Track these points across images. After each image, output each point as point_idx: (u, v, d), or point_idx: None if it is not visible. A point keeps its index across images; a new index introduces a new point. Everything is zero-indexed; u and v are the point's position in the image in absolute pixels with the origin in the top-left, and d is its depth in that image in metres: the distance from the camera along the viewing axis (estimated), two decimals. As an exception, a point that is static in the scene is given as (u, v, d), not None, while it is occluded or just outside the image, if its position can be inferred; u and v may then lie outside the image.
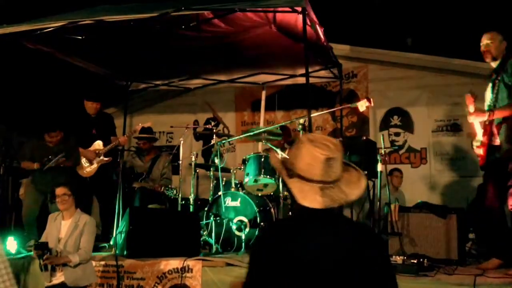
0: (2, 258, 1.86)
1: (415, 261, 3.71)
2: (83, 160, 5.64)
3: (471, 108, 4.10)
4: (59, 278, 3.93)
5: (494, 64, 4.09)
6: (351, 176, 1.77)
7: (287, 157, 1.78)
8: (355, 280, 1.63)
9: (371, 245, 1.70)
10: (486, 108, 4.09)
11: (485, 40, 4.09)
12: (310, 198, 1.67)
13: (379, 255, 1.71)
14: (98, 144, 5.70)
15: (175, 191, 5.56)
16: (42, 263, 3.83)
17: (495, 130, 3.96)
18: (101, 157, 5.64)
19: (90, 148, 5.68)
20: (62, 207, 4.09)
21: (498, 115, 3.91)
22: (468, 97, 4.12)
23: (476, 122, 4.10)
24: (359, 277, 1.63)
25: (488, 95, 4.09)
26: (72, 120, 5.87)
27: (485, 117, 3.96)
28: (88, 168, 5.64)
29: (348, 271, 1.63)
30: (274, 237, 1.71)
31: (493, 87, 4.03)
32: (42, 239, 4.07)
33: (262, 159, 5.25)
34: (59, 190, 4.09)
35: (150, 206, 5.56)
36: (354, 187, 1.73)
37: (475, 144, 4.14)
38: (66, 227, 4.08)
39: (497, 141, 3.95)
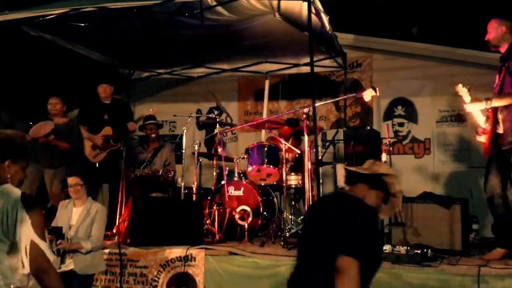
0: None
1: (419, 252, 3.70)
2: (92, 145, 5.65)
3: (467, 98, 4.06)
4: (68, 265, 3.94)
5: (501, 49, 4.05)
6: None
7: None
8: None
9: None
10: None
11: (487, 30, 4.08)
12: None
13: None
14: (108, 130, 5.69)
15: (172, 172, 5.59)
16: (55, 248, 3.83)
17: (500, 117, 3.92)
18: (110, 143, 5.64)
19: (99, 134, 5.68)
20: (75, 196, 4.12)
21: (496, 103, 3.88)
22: (459, 88, 4.07)
23: (476, 111, 4.07)
24: None
25: (497, 81, 4.05)
26: (83, 104, 5.90)
27: (482, 105, 3.92)
28: (96, 152, 5.65)
29: None
30: None
31: (499, 74, 4.00)
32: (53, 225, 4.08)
33: (265, 149, 5.23)
34: (72, 180, 4.12)
35: (153, 194, 5.56)
36: None
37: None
38: (78, 214, 4.10)
39: (501, 129, 3.93)
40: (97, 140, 5.63)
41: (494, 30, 4.02)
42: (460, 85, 4.07)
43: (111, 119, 5.75)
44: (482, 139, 4.11)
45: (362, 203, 2.44)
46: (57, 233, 3.85)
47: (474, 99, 4.00)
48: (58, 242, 3.82)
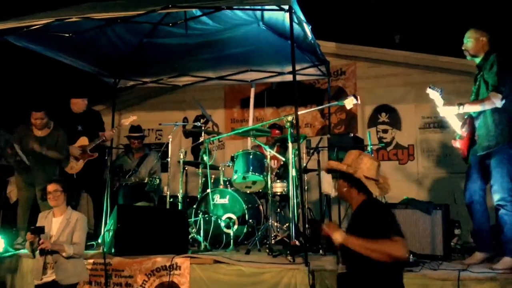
0: None
1: (401, 257, 3.75)
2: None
3: (439, 102, 4.13)
4: (50, 276, 3.93)
5: (477, 60, 4.14)
6: (384, 178, 2.90)
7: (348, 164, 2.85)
8: None
9: None
10: None
11: (464, 40, 4.16)
12: (374, 189, 2.78)
13: None
14: (84, 140, 5.67)
15: (158, 180, 5.58)
16: (38, 247, 3.81)
17: (476, 123, 4.02)
18: (87, 153, 5.62)
19: (75, 144, 5.65)
20: (53, 203, 4.10)
21: (468, 108, 3.96)
22: (430, 91, 4.13)
23: (450, 116, 4.14)
24: None
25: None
26: (57, 116, 5.85)
27: (455, 109, 3.99)
28: (74, 164, 5.61)
29: None
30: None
31: (475, 83, 4.11)
32: None
33: (251, 156, 5.27)
34: (51, 187, 4.10)
35: (138, 204, 5.56)
36: (388, 184, 2.89)
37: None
38: (58, 224, 4.09)
39: (476, 135, 4.03)
40: (74, 151, 5.60)
41: (475, 40, 4.09)
42: (430, 88, 4.13)
43: (85, 129, 5.74)
44: (458, 144, 4.20)
45: None
46: (39, 232, 3.84)
47: (447, 103, 4.08)
48: (40, 242, 3.81)
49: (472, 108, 3.98)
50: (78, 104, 5.77)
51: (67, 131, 5.64)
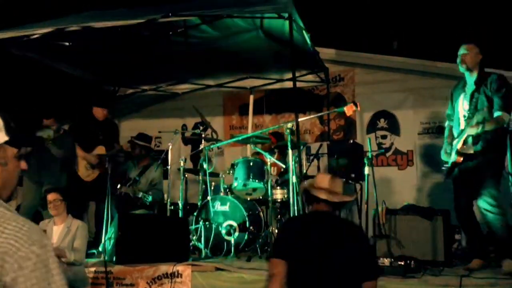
0: None
1: (402, 263, 3.77)
2: (85, 164, 5.64)
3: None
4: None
5: (471, 75, 4.17)
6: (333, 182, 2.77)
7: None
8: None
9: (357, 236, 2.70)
10: (462, 117, 4.17)
11: (462, 50, 4.19)
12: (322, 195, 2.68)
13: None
14: (101, 149, 5.69)
15: (150, 198, 5.56)
16: None
17: (470, 139, 4.06)
18: (103, 162, 5.65)
19: (92, 152, 5.68)
20: (54, 213, 4.12)
21: (488, 127, 3.96)
22: None
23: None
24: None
25: (465, 106, 4.17)
26: (81, 122, 5.92)
27: (479, 129, 4.01)
28: (90, 172, 5.64)
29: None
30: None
31: (471, 99, 4.12)
32: None
33: (251, 163, 5.28)
34: (51, 196, 4.13)
35: (138, 211, 5.54)
36: (337, 188, 2.75)
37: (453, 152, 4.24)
38: (58, 232, 4.11)
39: (471, 150, 4.04)
40: (93, 159, 5.62)
41: (474, 55, 4.14)
42: None
43: (104, 138, 5.77)
44: (460, 159, 4.22)
45: None
46: None
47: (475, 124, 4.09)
48: None
49: (490, 127, 3.97)
50: (98, 113, 5.81)
51: (90, 137, 5.70)
